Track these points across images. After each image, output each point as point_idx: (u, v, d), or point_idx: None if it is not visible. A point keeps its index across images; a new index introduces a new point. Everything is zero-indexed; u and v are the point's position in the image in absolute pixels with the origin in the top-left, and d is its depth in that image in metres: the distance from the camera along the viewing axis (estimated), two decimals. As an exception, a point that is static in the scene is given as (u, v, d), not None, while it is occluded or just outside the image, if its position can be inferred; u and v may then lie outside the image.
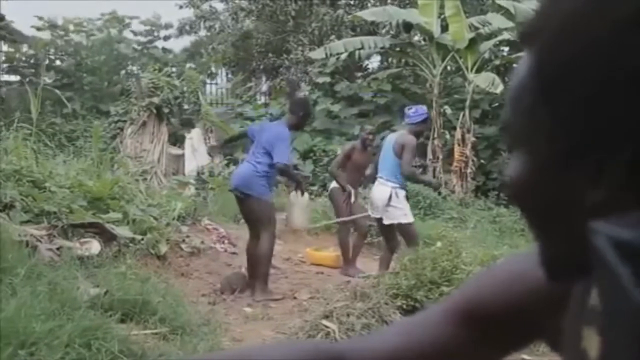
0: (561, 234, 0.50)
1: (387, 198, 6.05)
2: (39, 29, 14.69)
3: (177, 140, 12.52)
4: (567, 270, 0.49)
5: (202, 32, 17.37)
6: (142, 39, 16.50)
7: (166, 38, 16.85)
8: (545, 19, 0.48)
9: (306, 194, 6.74)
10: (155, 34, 16.68)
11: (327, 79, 13.61)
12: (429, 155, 11.76)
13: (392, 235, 6.28)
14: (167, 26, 16.77)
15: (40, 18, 14.83)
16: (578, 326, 0.48)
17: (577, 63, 0.45)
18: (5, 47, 13.44)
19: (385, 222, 6.19)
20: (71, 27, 15.03)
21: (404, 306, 4.69)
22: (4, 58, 13.65)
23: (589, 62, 0.45)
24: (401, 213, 6.10)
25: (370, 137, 7.29)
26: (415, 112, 6.26)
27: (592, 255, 0.41)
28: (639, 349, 0.37)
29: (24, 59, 13.73)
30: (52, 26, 14.85)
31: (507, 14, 10.81)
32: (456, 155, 11.45)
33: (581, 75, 0.45)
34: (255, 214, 5.80)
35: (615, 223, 0.41)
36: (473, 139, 11.55)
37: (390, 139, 6.29)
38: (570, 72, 0.46)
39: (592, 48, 0.44)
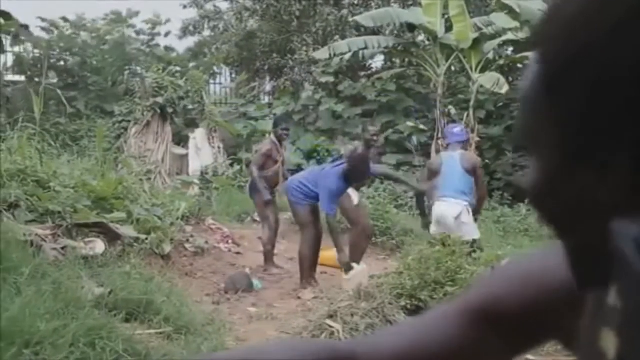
0: (581, 236, 0.49)
1: (457, 215, 6.08)
2: (43, 28, 14.70)
3: (181, 140, 12.53)
4: (594, 275, 0.48)
5: (206, 33, 17.37)
6: (144, 37, 16.48)
7: (167, 34, 16.82)
8: (550, 21, 0.49)
9: (360, 265, 6.16)
10: (156, 30, 16.64)
11: (331, 79, 13.61)
12: (433, 155, 11.72)
13: None
14: (167, 22, 16.68)
15: (44, 20, 14.84)
16: (595, 326, 0.48)
17: (577, 63, 0.46)
18: (11, 47, 13.43)
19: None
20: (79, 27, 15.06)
21: (408, 306, 4.68)
22: (13, 59, 13.66)
23: (589, 62, 0.45)
24: (472, 229, 6.18)
25: (375, 138, 7.31)
26: (464, 130, 6.86)
27: (613, 254, 0.40)
28: None
29: (32, 62, 13.73)
30: (64, 19, 14.83)
31: (511, 13, 10.77)
32: (460, 155, 11.41)
33: (581, 75, 0.45)
34: (294, 217, 6.54)
35: (636, 223, 0.41)
36: (477, 139, 11.51)
37: (454, 158, 6.30)
38: (570, 73, 0.46)
39: (592, 48, 0.45)
